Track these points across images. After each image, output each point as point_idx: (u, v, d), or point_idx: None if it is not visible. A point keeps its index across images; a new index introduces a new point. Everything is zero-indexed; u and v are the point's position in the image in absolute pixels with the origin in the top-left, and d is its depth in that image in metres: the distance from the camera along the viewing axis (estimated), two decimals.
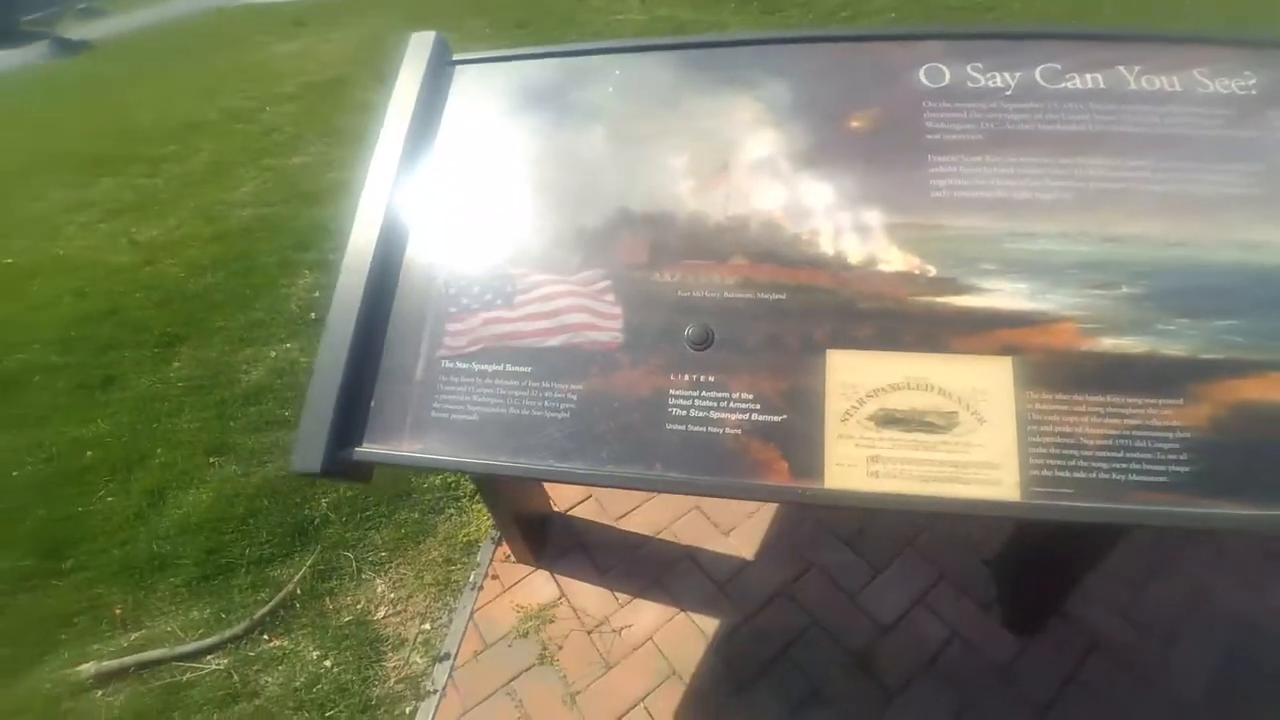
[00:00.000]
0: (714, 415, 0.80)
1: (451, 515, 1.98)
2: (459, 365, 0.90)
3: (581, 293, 0.89)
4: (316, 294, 3.05)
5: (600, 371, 0.85)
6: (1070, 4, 5.23)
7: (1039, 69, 0.95)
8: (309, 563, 1.85)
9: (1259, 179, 0.89)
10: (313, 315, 2.90)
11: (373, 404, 0.89)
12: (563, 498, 1.95)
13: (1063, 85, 0.94)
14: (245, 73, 7.03)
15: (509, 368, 0.88)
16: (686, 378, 0.82)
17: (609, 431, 0.82)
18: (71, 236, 3.83)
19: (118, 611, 1.76)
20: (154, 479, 2.15)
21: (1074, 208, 0.85)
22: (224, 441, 2.29)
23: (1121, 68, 0.96)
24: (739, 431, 0.79)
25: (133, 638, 1.71)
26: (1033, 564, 1.44)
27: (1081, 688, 1.42)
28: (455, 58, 1.20)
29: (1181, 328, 0.78)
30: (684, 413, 0.81)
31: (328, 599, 1.78)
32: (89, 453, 2.26)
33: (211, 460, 2.22)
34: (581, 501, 1.94)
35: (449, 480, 2.07)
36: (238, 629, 1.69)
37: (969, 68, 0.94)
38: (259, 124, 5.39)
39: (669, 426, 0.80)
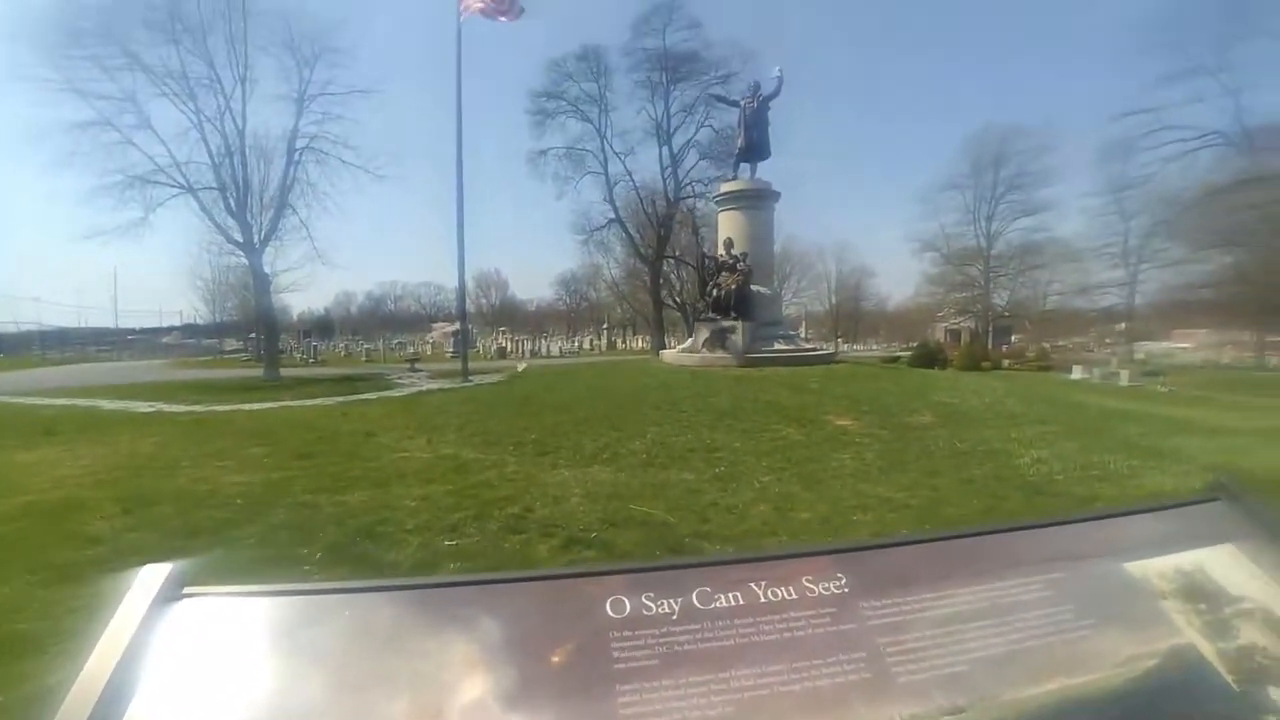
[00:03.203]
0: None
1: None
2: None
3: None
4: None
5: None
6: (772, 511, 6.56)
7: (695, 593, 1.24)
8: None
9: (863, 663, 1.17)
10: None
11: None
12: None
13: (713, 605, 1.23)
14: None
15: None
16: None
17: None
18: None
19: None
20: None
21: (734, 718, 1.03)
22: None
23: (753, 584, 1.30)
24: None
25: None
26: None
27: None
28: (187, 590, 1.21)
29: None
30: None
31: None
32: None
33: None
34: None
35: None
36: None
37: (643, 597, 1.21)
38: None
39: None
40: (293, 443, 8.13)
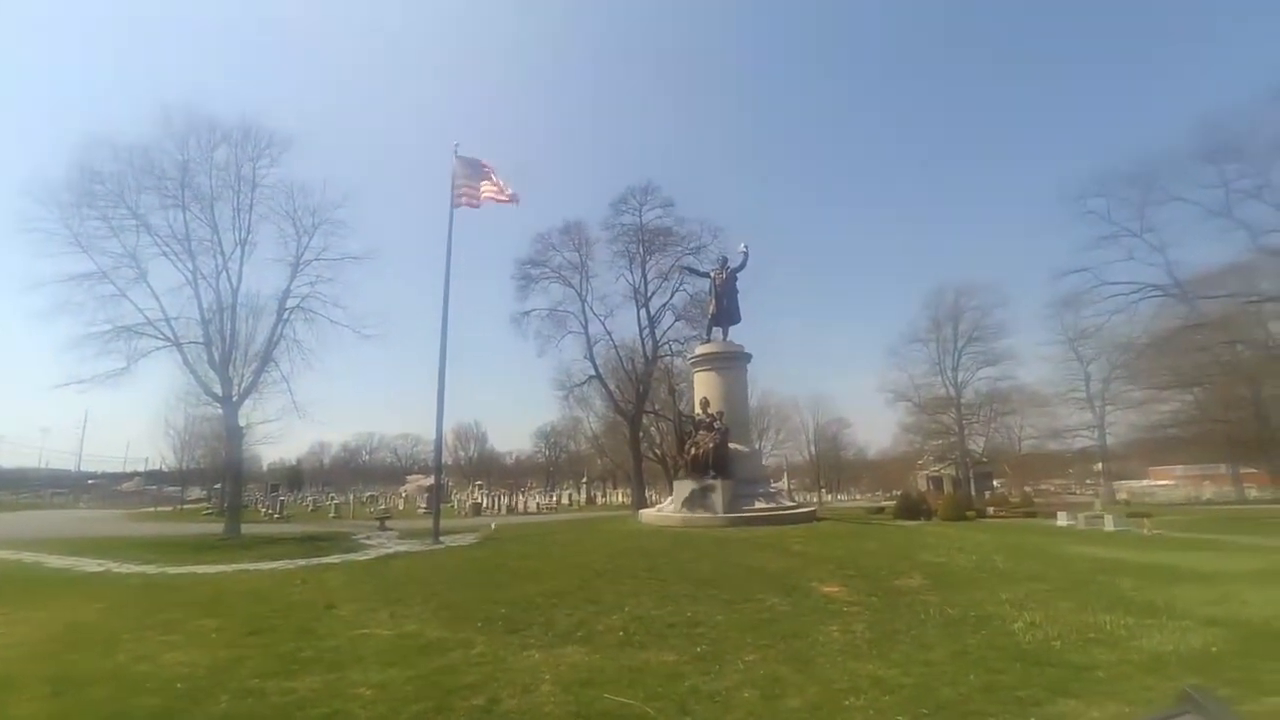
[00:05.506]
0: None
1: None
2: None
3: None
4: None
5: None
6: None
7: None
8: None
9: None
10: None
11: None
12: None
13: None
14: None
15: None
16: None
17: None
18: None
19: None
20: None
21: None
22: None
23: None
24: None
25: None
26: None
27: None
28: None
29: None
30: None
31: None
32: None
33: None
34: None
35: None
36: None
37: None
38: None
39: None
40: (245, 614, 7.55)
